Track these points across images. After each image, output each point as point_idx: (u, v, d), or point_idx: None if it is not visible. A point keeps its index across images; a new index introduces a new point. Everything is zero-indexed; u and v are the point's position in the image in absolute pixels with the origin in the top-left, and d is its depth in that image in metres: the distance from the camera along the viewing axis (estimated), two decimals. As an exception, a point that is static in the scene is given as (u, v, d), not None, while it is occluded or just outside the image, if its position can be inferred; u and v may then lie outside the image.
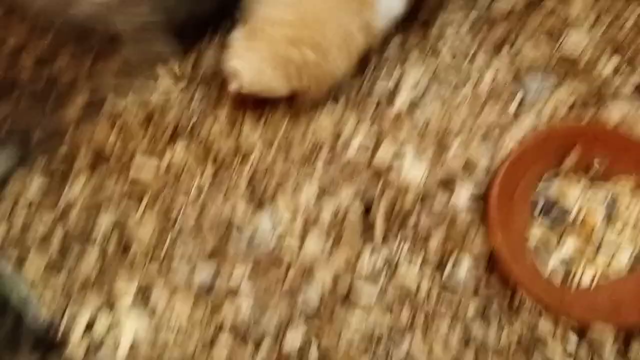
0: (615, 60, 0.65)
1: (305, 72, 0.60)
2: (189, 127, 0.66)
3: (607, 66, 0.64)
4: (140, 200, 0.64)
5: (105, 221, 0.63)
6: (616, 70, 0.64)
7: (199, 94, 0.68)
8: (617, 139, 0.61)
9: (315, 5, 0.59)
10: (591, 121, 0.63)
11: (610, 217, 0.60)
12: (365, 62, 0.67)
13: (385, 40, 0.68)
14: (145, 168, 0.65)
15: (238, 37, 0.62)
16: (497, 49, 0.67)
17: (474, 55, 0.67)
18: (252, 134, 0.65)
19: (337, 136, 0.65)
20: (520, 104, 0.65)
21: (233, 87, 0.62)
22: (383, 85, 0.66)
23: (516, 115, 0.64)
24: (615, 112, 0.63)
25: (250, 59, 0.60)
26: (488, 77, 0.66)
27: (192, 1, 0.66)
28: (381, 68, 0.67)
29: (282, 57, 0.59)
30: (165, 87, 0.69)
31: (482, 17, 0.68)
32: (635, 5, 0.67)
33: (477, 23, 0.68)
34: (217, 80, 0.69)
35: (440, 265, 0.59)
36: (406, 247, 0.59)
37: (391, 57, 0.68)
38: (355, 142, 0.64)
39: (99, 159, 0.67)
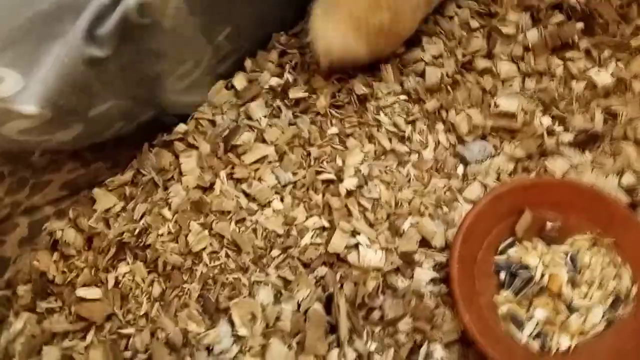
0: (548, 117, 0.66)
1: (382, 35, 0.64)
2: (133, 244, 0.63)
3: (541, 124, 0.65)
4: (86, 333, 0.59)
5: (50, 360, 0.59)
6: (551, 127, 0.65)
7: (140, 207, 0.66)
8: (568, 189, 0.61)
9: None
10: (537, 177, 0.63)
11: (574, 278, 0.58)
12: (307, 154, 0.67)
13: (322, 132, 0.68)
14: (89, 297, 0.61)
15: (318, 13, 0.65)
16: (433, 123, 0.67)
17: (412, 132, 0.67)
18: (198, 239, 0.62)
19: (288, 232, 0.63)
20: (464, 173, 0.64)
21: (323, 63, 0.67)
22: (326, 175, 0.65)
23: (462, 185, 0.64)
24: (557, 168, 0.63)
25: (335, 30, 0.64)
26: (428, 152, 0.66)
27: (125, 116, 0.65)
28: (321, 158, 0.66)
29: (362, 24, 0.63)
30: (104, 205, 0.66)
31: (412, 95, 0.69)
32: (556, 60, 0.68)
33: (408, 101, 0.69)
34: (159, 188, 0.67)
35: (413, 358, 0.55)
36: (374, 342, 0.56)
37: (331, 143, 0.67)
38: (307, 236, 0.62)
39: (39, 293, 0.63)
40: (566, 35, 0.69)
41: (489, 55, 0.70)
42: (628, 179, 0.62)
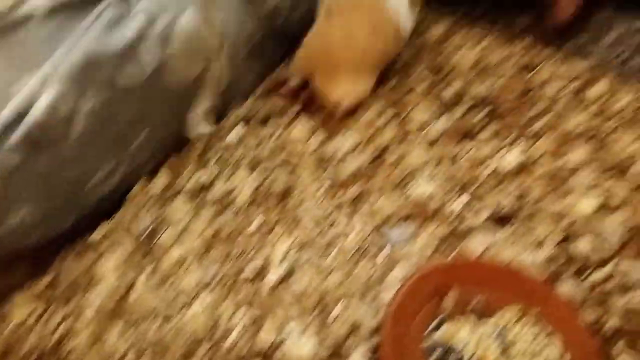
0: (463, 197, 0.69)
1: (370, 56, 0.74)
2: (51, 353, 0.60)
3: (457, 204, 0.68)
4: None
5: None
6: (467, 206, 0.68)
7: (59, 312, 0.63)
8: (487, 269, 0.62)
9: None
10: (457, 257, 0.65)
11: (505, 351, 0.59)
12: (232, 248, 0.67)
13: (246, 225, 0.69)
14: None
15: (323, 82, 0.74)
16: (355, 208, 0.69)
17: (335, 218, 0.69)
18: (120, 341, 0.60)
19: (215, 327, 0.61)
20: (388, 256, 0.66)
21: (339, 113, 0.74)
22: (253, 265, 0.65)
23: (386, 268, 0.65)
24: (477, 246, 0.65)
25: (333, 85, 0.73)
26: (352, 237, 0.67)
27: (42, 224, 0.64)
28: (248, 249, 0.66)
29: (359, 65, 0.73)
30: (21, 313, 0.63)
31: (334, 182, 0.71)
32: (465, 144, 0.73)
33: (331, 188, 0.71)
34: (78, 292, 0.65)
35: None
36: None
37: (255, 236, 0.68)
38: (235, 330, 0.61)
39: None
40: (473, 121, 0.74)
41: (403, 143, 0.74)
42: (544, 252, 0.65)
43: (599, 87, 0.81)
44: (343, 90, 0.74)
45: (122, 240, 0.67)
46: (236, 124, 0.77)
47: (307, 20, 0.86)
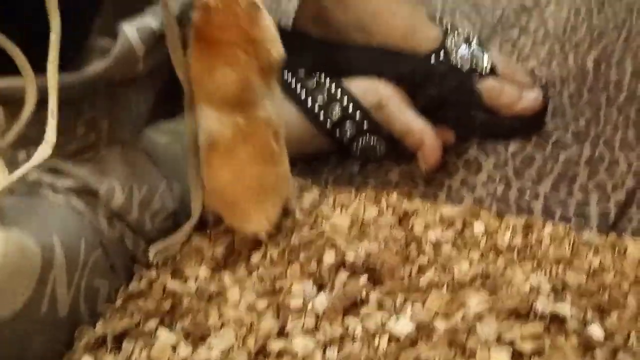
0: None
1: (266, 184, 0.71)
2: None
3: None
4: None
5: None
6: (366, 396, 0.58)
7: None
8: None
9: None
10: None
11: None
12: None
13: None
14: None
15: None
16: None
17: None
18: None
19: None
20: None
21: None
22: None
23: None
24: None
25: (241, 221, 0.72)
26: None
27: None
28: None
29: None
30: None
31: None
32: (352, 321, 0.64)
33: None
34: None
35: None
36: None
37: None
38: None
39: None
40: (354, 292, 0.66)
41: (283, 334, 0.64)
42: None
43: (480, 226, 0.77)
44: (254, 221, 0.71)
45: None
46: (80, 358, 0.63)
47: (167, 216, 0.80)
